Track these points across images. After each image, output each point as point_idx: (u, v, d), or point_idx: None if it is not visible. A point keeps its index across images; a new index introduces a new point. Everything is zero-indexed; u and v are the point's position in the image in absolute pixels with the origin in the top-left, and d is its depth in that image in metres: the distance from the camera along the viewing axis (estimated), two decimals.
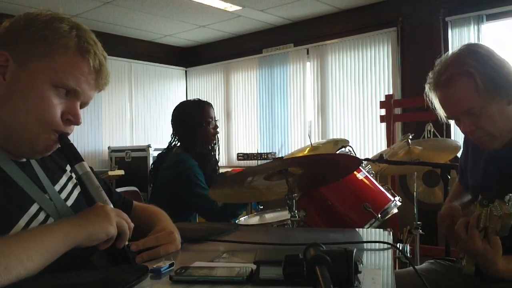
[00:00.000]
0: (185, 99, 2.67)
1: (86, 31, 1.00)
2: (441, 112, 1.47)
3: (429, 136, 3.68)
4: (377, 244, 1.22)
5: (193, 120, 2.47)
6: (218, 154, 2.62)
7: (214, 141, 2.58)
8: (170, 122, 2.57)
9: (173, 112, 2.57)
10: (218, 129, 2.57)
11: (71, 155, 1.01)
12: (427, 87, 1.48)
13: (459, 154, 2.87)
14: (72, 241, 0.85)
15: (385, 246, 1.16)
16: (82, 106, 1.02)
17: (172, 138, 2.57)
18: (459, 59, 1.37)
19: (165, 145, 2.65)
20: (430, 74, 1.46)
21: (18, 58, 0.94)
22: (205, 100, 2.63)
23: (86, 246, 0.88)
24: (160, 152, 2.63)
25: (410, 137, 2.76)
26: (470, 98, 1.34)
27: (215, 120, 2.56)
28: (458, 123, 1.44)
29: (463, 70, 1.34)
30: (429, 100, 1.49)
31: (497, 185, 1.39)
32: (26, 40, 0.94)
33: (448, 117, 1.47)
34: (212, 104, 2.64)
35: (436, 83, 1.42)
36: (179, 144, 2.54)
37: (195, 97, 2.70)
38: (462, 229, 1.27)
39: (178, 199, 2.29)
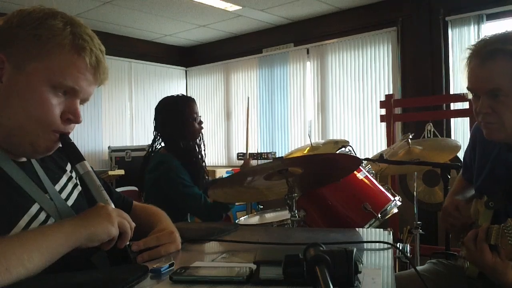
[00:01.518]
0: (166, 96, 2.59)
1: (80, 26, 0.98)
2: (464, 79, 1.39)
3: (429, 136, 3.68)
4: (377, 244, 1.21)
5: (178, 116, 2.42)
6: (204, 150, 2.57)
7: (199, 137, 2.53)
8: (154, 120, 2.51)
9: (156, 108, 2.51)
10: (202, 125, 2.52)
11: (73, 154, 1.01)
12: (467, 52, 1.37)
13: (459, 154, 2.88)
14: (73, 242, 0.84)
15: (385, 246, 1.16)
16: (82, 102, 1.01)
17: (154, 136, 2.51)
18: None
19: None
20: (477, 41, 1.36)
21: (13, 59, 0.93)
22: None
23: (87, 247, 0.88)
24: (145, 153, 2.57)
25: (410, 137, 2.76)
26: (503, 80, 1.26)
27: (199, 116, 2.52)
28: (475, 100, 1.36)
29: (511, 50, 1.26)
30: (464, 68, 1.38)
31: (504, 188, 1.37)
32: (20, 40, 0.93)
33: (469, 89, 1.37)
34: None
35: (477, 51, 1.31)
36: (163, 143, 2.49)
37: (193, 97, 2.66)
38: (471, 241, 1.24)
39: (167, 201, 2.27)
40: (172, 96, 2.56)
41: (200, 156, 2.52)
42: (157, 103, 2.54)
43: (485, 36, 1.35)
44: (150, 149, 2.54)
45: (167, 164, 2.33)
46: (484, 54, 1.29)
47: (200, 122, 2.50)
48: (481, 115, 1.33)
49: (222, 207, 2.31)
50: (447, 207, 1.54)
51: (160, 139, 2.50)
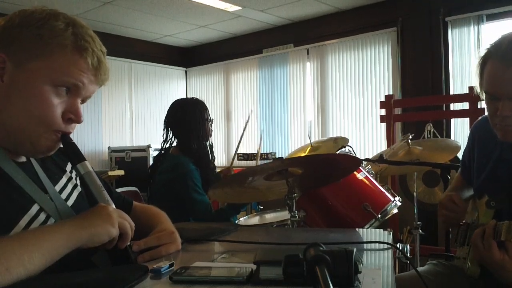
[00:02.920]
0: (180, 98, 2.67)
1: (82, 27, 0.98)
2: (477, 81, 1.34)
3: (429, 136, 3.68)
4: (377, 244, 1.21)
5: (195, 118, 2.47)
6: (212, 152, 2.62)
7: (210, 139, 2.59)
8: (165, 121, 2.54)
9: (170, 111, 2.55)
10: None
11: (74, 154, 1.01)
12: (484, 51, 1.32)
13: (459, 154, 2.88)
14: (74, 243, 0.84)
15: (385, 246, 1.16)
16: (83, 101, 1.01)
17: (165, 137, 2.54)
18: None
19: None
20: (496, 42, 1.29)
21: (15, 59, 0.93)
22: (206, 100, 2.64)
23: (88, 247, 0.88)
24: (157, 154, 2.60)
25: (410, 137, 2.76)
26: None
27: (212, 119, 2.60)
28: (491, 102, 1.31)
29: None
30: (478, 67, 1.34)
31: (506, 189, 1.37)
32: (22, 40, 0.93)
33: (487, 92, 1.31)
34: (213, 104, 2.66)
35: (501, 54, 1.25)
36: (175, 144, 2.52)
37: (195, 97, 2.68)
38: (479, 239, 1.23)
39: (176, 202, 2.29)
40: (186, 99, 2.66)
41: (212, 159, 2.57)
42: (170, 104, 2.57)
43: (503, 36, 1.29)
44: (161, 150, 2.56)
45: (183, 168, 2.37)
46: (508, 57, 1.23)
47: (211, 124, 2.57)
48: (500, 118, 1.29)
49: (225, 217, 2.33)
50: (442, 200, 1.55)
51: (173, 139, 2.53)
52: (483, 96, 1.35)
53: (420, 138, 3.61)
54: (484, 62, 1.31)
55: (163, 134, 2.54)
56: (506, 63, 1.24)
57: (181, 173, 2.35)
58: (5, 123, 0.94)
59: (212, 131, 2.57)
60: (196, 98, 2.62)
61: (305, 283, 0.71)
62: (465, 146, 1.68)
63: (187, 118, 2.47)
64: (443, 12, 4.54)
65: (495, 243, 1.20)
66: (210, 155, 2.55)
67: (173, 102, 2.58)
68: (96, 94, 1.04)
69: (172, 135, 2.52)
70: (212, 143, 2.60)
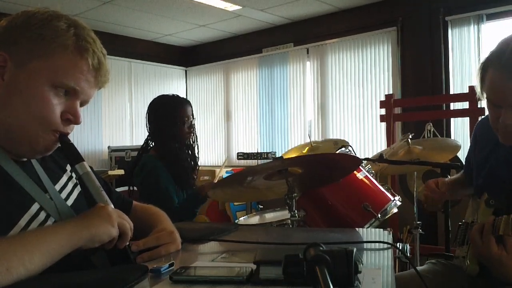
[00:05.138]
0: (161, 94, 2.59)
1: (84, 29, 0.99)
2: (478, 84, 1.34)
3: (429, 135, 3.68)
4: (377, 244, 1.22)
5: (168, 117, 2.39)
6: (198, 153, 2.55)
7: (190, 140, 2.50)
8: (146, 118, 2.50)
9: (149, 107, 2.49)
10: (193, 129, 2.49)
11: (72, 155, 1.01)
12: (485, 59, 1.31)
13: (459, 154, 2.88)
14: (74, 243, 0.85)
15: (385, 246, 1.16)
16: (82, 104, 1.02)
17: (147, 136, 2.50)
18: None
19: None
20: (498, 49, 1.28)
21: (16, 58, 0.93)
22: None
23: (88, 248, 0.88)
24: (136, 154, 2.55)
25: (410, 136, 2.76)
26: None
27: (192, 119, 2.48)
28: (493, 108, 1.31)
29: None
30: (479, 72, 1.33)
31: (506, 187, 1.37)
32: (24, 39, 0.94)
33: (490, 99, 1.31)
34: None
35: (504, 63, 1.23)
36: (152, 143, 2.48)
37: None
38: (477, 234, 1.24)
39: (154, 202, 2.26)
40: (165, 96, 2.52)
41: (189, 159, 2.49)
42: (151, 102, 2.52)
43: (505, 43, 1.28)
44: (140, 149, 2.54)
45: (147, 167, 2.34)
46: (510, 67, 1.22)
47: (191, 126, 2.46)
48: (504, 125, 1.28)
49: (185, 214, 2.32)
50: (428, 181, 1.68)
51: (151, 140, 2.49)
52: (484, 98, 1.36)
53: (420, 137, 3.61)
54: (486, 68, 1.30)
55: (147, 130, 2.50)
56: (507, 73, 1.22)
57: (146, 172, 2.33)
58: (4, 122, 0.94)
59: (191, 132, 2.46)
60: (176, 96, 2.51)
61: (305, 283, 0.71)
62: (466, 146, 1.69)
63: (160, 119, 2.39)
64: (443, 11, 4.54)
65: (493, 238, 1.20)
66: (190, 158, 2.47)
67: (153, 100, 2.50)
68: (96, 93, 1.04)
69: (149, 134, 2.48)
70: (194, 144, 2.51)
